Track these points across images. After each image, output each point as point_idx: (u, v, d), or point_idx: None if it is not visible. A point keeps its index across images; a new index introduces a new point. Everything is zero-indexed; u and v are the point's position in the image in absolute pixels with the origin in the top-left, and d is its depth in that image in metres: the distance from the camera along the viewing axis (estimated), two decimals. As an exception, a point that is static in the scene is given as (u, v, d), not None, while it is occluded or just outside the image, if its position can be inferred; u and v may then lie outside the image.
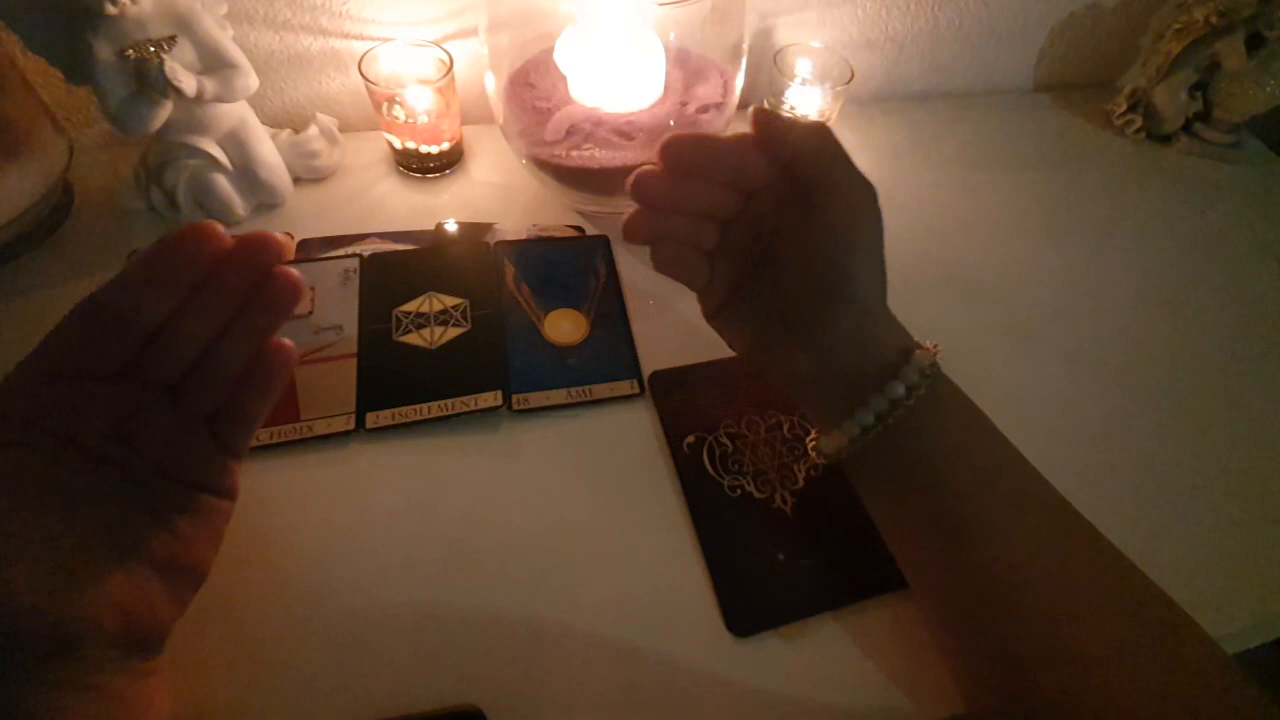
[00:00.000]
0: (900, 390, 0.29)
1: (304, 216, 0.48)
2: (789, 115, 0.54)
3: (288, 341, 0.29)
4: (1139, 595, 0.27)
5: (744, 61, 0.46)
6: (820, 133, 0.28)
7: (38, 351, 0.25)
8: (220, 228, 0.26)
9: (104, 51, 0.37)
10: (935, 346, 0.30)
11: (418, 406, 0.38)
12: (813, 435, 0.34)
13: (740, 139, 0.29)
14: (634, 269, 0.47)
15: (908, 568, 0.31)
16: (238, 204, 0.46)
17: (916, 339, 0.31)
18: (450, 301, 0.43)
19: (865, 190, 0.29)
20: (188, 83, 0.38)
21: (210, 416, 0.27)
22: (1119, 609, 0.26)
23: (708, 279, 0.33)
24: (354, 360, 0.40)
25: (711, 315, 0.35)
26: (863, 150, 0.59)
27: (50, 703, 0.22)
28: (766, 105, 0.56)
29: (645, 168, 0.29)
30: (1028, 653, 0.26)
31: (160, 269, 0.25)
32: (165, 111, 0.40)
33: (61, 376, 0.24)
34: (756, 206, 0.31)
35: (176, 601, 0.26)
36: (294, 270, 0.27)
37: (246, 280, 0.26)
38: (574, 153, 0.44)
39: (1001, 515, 0.28)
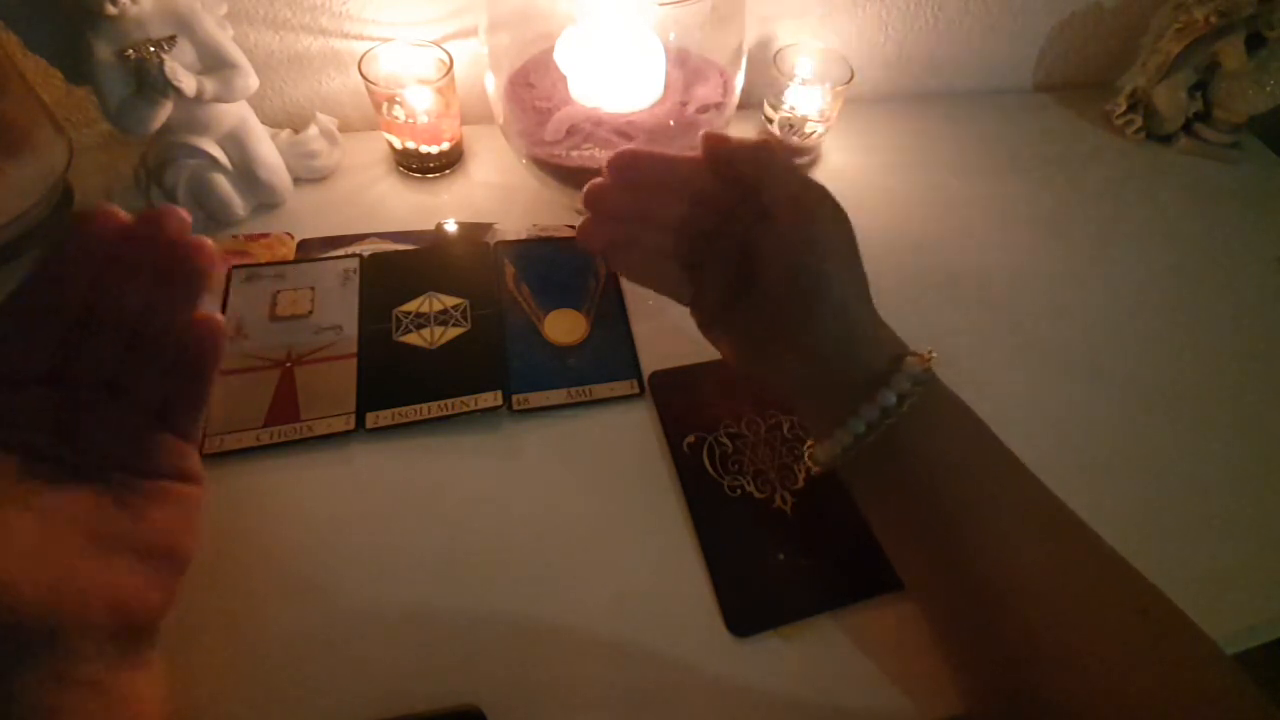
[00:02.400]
0: (891, 398, 0.29)
1: (304, 216, 0.48)
2: (787, 115, 0.54)
3: (216, 315, 0.29)
4: (1138, 597, 0.27)
5: (744, 62, 0.46)
6: (760, 147, 0.31)
7: None
8: (117, 209, 0.26)
9: (104, 51, 0.37)
10: (929, 353, 0.30)
11: (418, 406, 0.38)
12: (809, 444, 0.34)
13: (689, 158, 0.32)
14: (634, 269, 0.46)
15: (904, 572, 0.31)
16: (238, 204, 0.46)
17: (913, 342, 0.31)
18: (450, 301, 0.43)
19: (816, 193, 0.31)
20: (188, 83, 0.38)
21: (157, 407, 0.28)
22: (1118, 611, 0.26)
23: (679, 286, 0.35)
24: (354, 360, 0.40)
25: (705, 328, 0.35)
26: (863, 151, 0.59)
27: (43, 699, 0.22)
28: (767, 105, 0.56)
29: (595, 180, 0.32)
30: (1027, 656, 0.26)
31: (62, 257, 0.25)
32: (165, 111, 0.40)
33: None
34: (738, 222, 0.32)
35: (161, 588, 0.26)
36: (204, 238, 0.27)
37: (153, 255, 0.26)
38: (574, 153, 0.44)
39: (999, 520, 0.28)
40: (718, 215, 0.33)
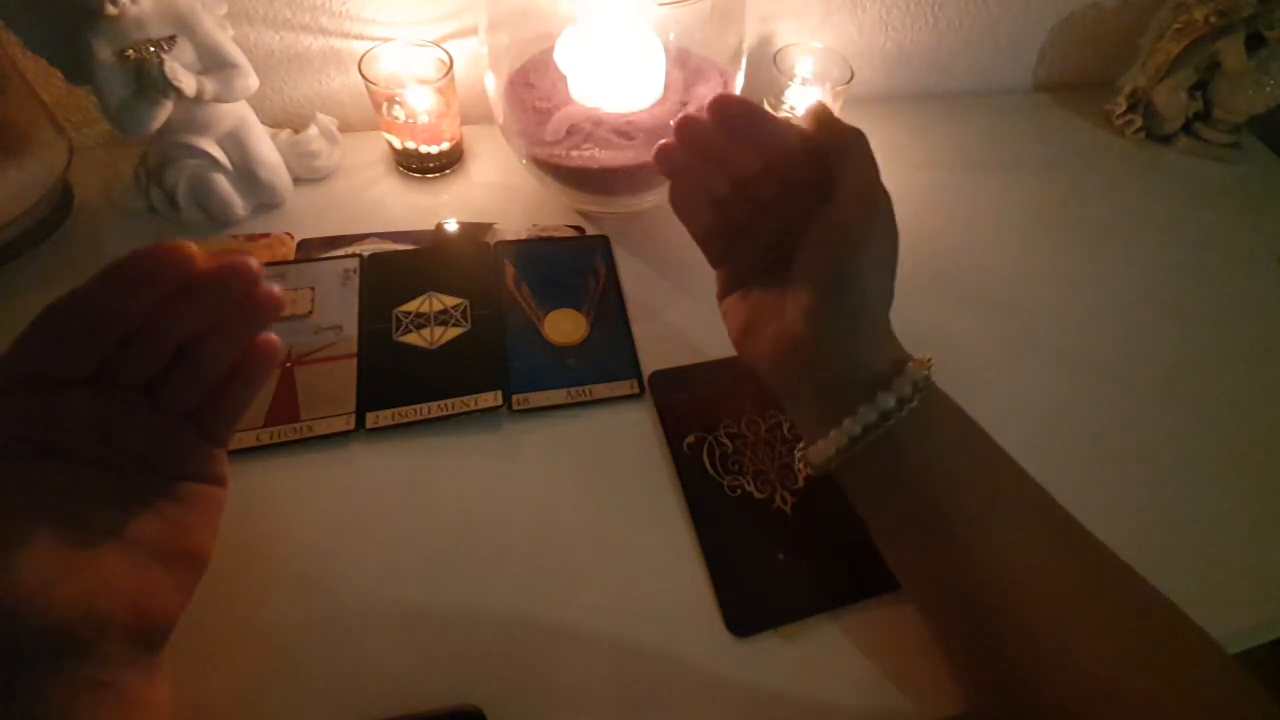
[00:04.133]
0: (890, 402, 0.28)
1: (304, 216, 0.48)
2: (788, 115, 0.54)
3: (273, 337, 0.28)
4: (1137, 598, 0.27)
5: (744, 62, 0.46)
6: (855, 130, 0.31)
7: (6, 359, 0.24)
8: (195, 249, 0.24)
9: (104, 51, 0.37)
10: (928, 359, 0.30)
11: (418, 406, 0.38)
12: (801, 445, 0.34)
13: (784, 120, 0.32)
14: (634, 269, 0.47)
15: (902, 575, 0.31)
16: (238, 204, 0.46)
17: (912, 340, 0.31)
18: (450, 301, 0.43)
19: (883, 196, 0.30)
20: (188, 83, 0.38)
21: (193, 411, 0.27)
22: (1118, 613, 0.26)
23: (713, 238, 0.35)
24: (354, 360, 0.40)
25: (723, 295, 0.36)
26: (863, 150, 0.59)
27: (59, 701, 0.22)
28: (767, 105, 0.56)
29: (691, 113, 0.32)
30: (1026, 658, 0.26)
31: (128, 284, 0.24)
32: (165, 111, 0.40)
33: (33, 384, 0.24)
34: (793, 203, 0.33)
35: (182, 589, 0.26)
36: (274, 287, 0.26)
37: (220, 302, 0.25)
38: (574, 153, 0.44)
39: (997, 524, 0.28)
40: (779, 187, 0.33)
